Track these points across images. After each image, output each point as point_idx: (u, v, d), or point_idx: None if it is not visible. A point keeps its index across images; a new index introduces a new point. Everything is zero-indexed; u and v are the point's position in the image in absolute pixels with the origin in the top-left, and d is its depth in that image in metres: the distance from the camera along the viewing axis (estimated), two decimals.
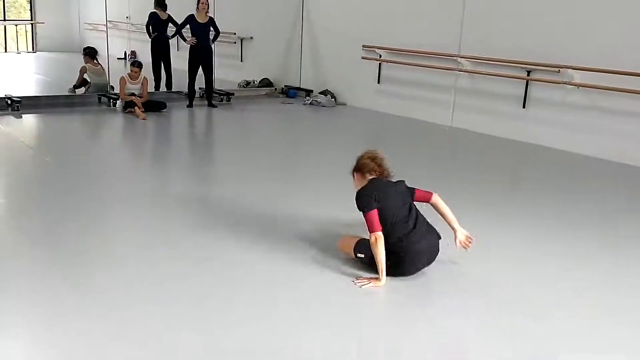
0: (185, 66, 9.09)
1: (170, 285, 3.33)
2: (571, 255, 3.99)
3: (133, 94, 8.46)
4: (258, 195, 5.00)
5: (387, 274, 3.36)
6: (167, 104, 8.84)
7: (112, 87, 9.18)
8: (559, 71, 7.01)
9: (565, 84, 6.95)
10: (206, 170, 6.17)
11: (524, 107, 7.48)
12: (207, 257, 3.74)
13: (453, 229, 3.63)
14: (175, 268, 3.57)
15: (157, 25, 9.53)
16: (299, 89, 10.64)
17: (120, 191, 5.10)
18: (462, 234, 3.62)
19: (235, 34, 11.28)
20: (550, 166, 6.60)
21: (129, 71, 8.60)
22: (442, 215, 3.67)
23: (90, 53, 9.25)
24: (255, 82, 10.99)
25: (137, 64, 8.64)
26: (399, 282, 3.41)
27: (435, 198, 3.67)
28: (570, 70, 6.87)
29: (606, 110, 6.74)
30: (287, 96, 10.55)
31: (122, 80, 8.49)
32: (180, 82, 9.55)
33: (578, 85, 6.85)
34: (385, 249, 3.33)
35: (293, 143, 7.68)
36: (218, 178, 5.85)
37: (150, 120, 8.09)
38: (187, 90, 9.19)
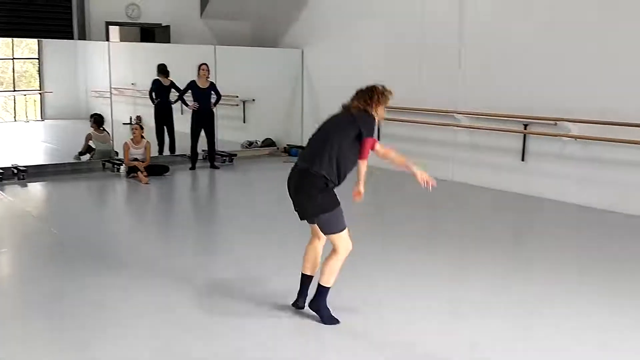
0: (188, 129, 9.27)
1: None
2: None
3: (136, 159, 8.60)
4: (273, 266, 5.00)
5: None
6: (170, 167, 8.97)
7: (117, 153, 9.34)
8: (555, 124, 7.08)
9: (562, 136, 7.01)
10: (207, 237, 6.14)
11: (522, 159, 7.52)
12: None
13: (412, 172, 3.82)
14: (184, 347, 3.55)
15: (160, 91, 9.76)
16: (301, 147, 10.77)
17: (125, 262, 5.01)
18: (420, 173, 3.82)
19: (237, 96, 11.50)
20: (554, 219, 6.58)
21: (131, 135, 8.80)
22: (394, 161, 3.90)
23: (96, 121, 9.46)
24: (258, 142, 11.15)
25: (135, 123, 9.04)
26: None
27: (380, 147, 3.86)
28: (566, 123, 6.94)
29: (605, 161, 6.75)
30: (289, 155, 10.68)
31: (126, 146, 8.66)
32: (183, 145, 9.70)
33: (575, 137, 6.90)
34: None
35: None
36: (219, 244, 5.85)
37: (153, 184, 8.17)
38: (189, 153, 9.35)
